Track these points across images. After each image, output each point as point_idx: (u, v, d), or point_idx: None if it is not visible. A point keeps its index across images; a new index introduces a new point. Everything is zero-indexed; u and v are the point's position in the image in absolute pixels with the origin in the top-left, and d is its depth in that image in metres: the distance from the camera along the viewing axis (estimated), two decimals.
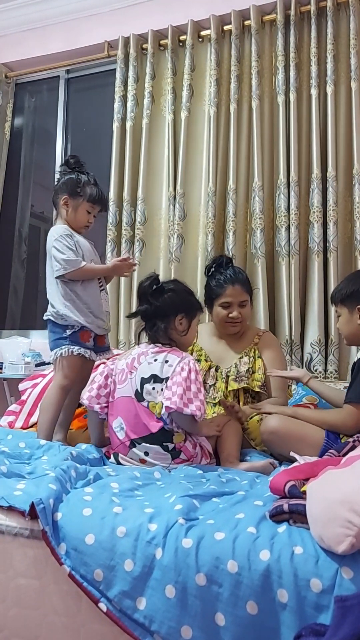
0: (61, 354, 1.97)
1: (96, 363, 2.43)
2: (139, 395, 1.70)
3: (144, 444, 1.67)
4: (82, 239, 2.08)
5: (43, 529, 1.15)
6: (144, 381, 1.71)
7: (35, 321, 3.65)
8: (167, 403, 1.61)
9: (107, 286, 2.16)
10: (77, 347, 1.99)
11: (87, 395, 1.81)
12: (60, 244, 1.99)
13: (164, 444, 1.66)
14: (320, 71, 2.75)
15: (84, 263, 1.99)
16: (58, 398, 1.98)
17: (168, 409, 1.61)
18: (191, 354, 2.22)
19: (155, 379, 1.70)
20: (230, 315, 2.14)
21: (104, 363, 2.34)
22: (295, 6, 2.80)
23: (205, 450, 1.74)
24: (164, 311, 1.79)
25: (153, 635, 1.03)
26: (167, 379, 1.68)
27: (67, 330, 1.99)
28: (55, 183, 2.15)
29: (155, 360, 1.73)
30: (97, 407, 1.79)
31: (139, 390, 1.71)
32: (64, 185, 2.08)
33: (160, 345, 1.78)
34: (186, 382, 1.63)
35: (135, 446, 1.68)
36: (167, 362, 1.71)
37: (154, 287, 1.81)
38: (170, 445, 1.67)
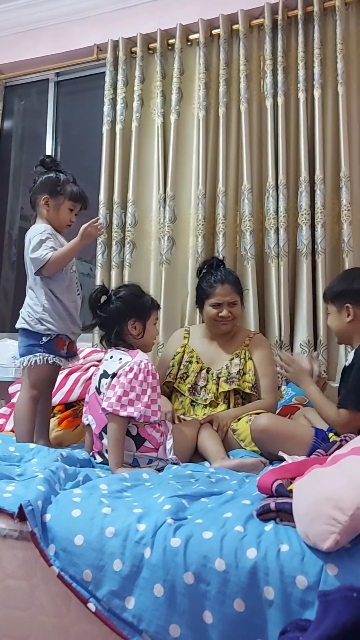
0: (35, 361, 1.95)
1: (87, 365, 2.44)
2: (98, 390, 1.80)
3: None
4: (64, 241, 2.06)
5: (32, 531, 1.16)
6: (101, 377, 1.80)
7: None
8: (104, 404, 1.68)
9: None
10: (51, 356, 1.97)
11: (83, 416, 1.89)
12: (36, 242, 1.94)
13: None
14: (307, 75, 2.78)
15: (48, 255, 1.92)
16: (30, 408, 1.96)
17: (104, 411, 1.68)
18: (183, 355, 2.24)
19: (105, 374, 1.78)
20: (220, 314, 2.17)
21: (95, 365, 2.37)
22: (282, 11, 2.82)
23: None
24: (114, 320, 1.85)
25: (142, 634, 1.04)
26: (113, 374, 1.74)
27: (44, 338, 1.97)
28: (33, 183, 2.10)
29: (112, 357, 1.81)
30: (86, 422, 1.86)
31: (97, 385, 1.80)
32: (43, 185, 2.04)
33: (122, 348, 1.84)
34: (130, 384, 1.69)
35: (103, 437, 1.74)
36: (120, 359, 1.78)
37: (101, 298, 1.88)
38: (134, 430, 1.71)
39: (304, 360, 2.01)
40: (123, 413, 1.65)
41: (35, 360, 1.95)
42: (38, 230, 1.98)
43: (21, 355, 2.00)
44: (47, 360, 1.96)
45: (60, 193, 2.03)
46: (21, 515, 1.18)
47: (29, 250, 1.96)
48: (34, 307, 1.98)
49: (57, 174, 2.06)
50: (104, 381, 1.78)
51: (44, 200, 2.04)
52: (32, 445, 1.81)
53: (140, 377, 1.71)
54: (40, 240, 1.94)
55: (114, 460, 1.64)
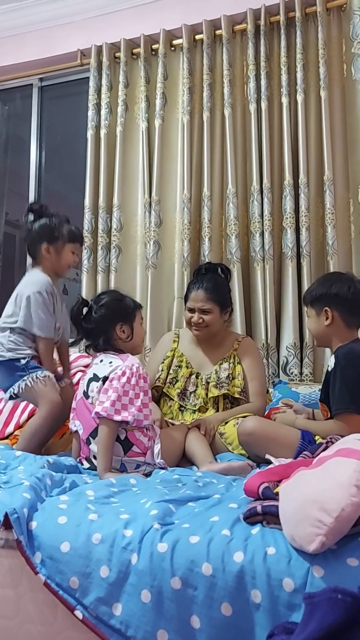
0: (26, 384, 1.92)
1: (73, 371, 2.41)
2: (85, 394, 1.78)
3: (97, 437, 1.69)
4: (59, 297, 2.07)
5: (17, 539, 1.15)
6: (90, 380, 1.79)
7: None
8: (98, 408, 1.66)
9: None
10: (40, 371, 1.95)
11: (71, 422, 1.87)
12: (43, 307, 1.97)
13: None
14: (290, 80, 2.80)
15: (39, 333, 1.97)
16: (48, 425, 1.93)
17: (98, 415, 1.66)
18: (172, 359, 2.24)
19: (95, 377, 1.77)
20: (192, 319, 2.17)
21: (82, 371, 2.36)
22: (264, 16, 2.84)
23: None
24: (101, 328, 1.83)
25: None
26: (105, 378, 1.73)
27: (22, 360, 1.96)
28: (26, 232, 2.10)
29: (102, 361, 1.80)
30: (74, 428, 1.84)
31: (85, 389, 1.78)
32: (40, 234, 2.05)
33: (111, 352, 1.83)
34: (123, 388, 1.68)
35: (90, 442, 1.72)
36: (110, 363, 1.77)
37: (83, 310, 1.85)
38: (122, 434, 1.70)
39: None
40: (117, 418, 1.64)
41: (26, 383, 1.93)
42: (36, 287, 1.99)
43: (6, 390, 1.98)
44: (36, 377, 1.94)
45: (59, 238, 2.04)
46: (7, 523, 1.17)
47: (28, 307, 1.97)
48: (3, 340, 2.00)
49: (51, 219, 2.06)
50: (94, 384, 1.76)
51: (45, 249, 2.04)
52: (18, 453, 1.80)
53: (133, 380, 1.69)
54: (38, 302, 1.97)
55: (102, 465, 1.63)
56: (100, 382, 1.74)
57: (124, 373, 1.70)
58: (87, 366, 2.14)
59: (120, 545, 1.10)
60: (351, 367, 1.72)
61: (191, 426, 1.95)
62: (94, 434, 1.70)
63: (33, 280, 2.03)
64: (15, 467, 1.66)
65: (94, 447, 1.70)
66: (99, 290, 3.04)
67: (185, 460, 1.87)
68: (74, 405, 1.88)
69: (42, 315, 1.97)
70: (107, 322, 1.83)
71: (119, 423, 1.65)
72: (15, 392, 1.94)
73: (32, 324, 1.97)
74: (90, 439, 1.73)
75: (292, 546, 1.01)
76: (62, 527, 1.17)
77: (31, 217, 2.09)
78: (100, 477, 1.61)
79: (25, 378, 1.93)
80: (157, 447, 1.75)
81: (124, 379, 1.68)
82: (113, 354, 1.81)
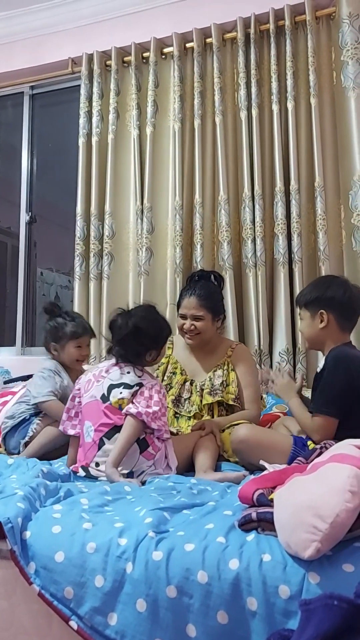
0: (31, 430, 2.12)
1: None
2: (104, 398, 1.76)
3: (113, 437, 1.69)
4: (69, 383, 2.20)
5: (11, 549, 1.14)
6: (112, 386, 1.77)
7: (3, 337, 3.62)
8: (141, 410, 1.67)
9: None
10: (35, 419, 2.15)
11: (61, 422, 1.87)
12: (40, 376, 2.19)
13: None
14: (280, 87, 2.83)
15: (51, 399, 2.13)
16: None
17: (139, 415, 1.66)
18: (167, 366, 2.24)
19: (125, 385, 1.76)
20: (184, 326, 2.17)
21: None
22: (254, 25, 2.87)
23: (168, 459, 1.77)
24: (135, 351, 1.83)
25: None
26: (139, 385, 1.75)
27: (24, 421, 2.17)
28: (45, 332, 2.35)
29: (129, 372, 1.80)
30: (71, 431, 1.83)
31: (106, 394, 1.76)
32: (49, 335, 2.28)
33: (133, 365, 1.84)
34: (159, 403, 1.73)
35: (104, 444, 1.71)
36: (139, 377, 1.79)
37: (134, 329, 1.81)
38: (141, 435, 1.70)
39: (286, 375, 2.04)
40: (154, 425, 1.68)
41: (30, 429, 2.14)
42: (43, 367, 2.24)
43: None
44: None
45: (63, 337, 2.24)
46: (0, 533, 1.16)
47: (35, 381, 2.22)
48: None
49: (56, 319, 2.27)
50: (124, 391, 1.75)
51: (52, 347, 2.26)
52: (10, 461, 1.79)
53: (164, 399, 1.77)
54: (41, 376, 2.20)
55: (116, 457, 1.63)
56: (135, 387, 1.76)
57: (158, 391, 1.76)
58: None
59: (115, 554, 1.09)
60: (338, 371, 1.72)
61: (195, 428, 1.95)
62: (109, 434, 1.70)
63: (39, 369, 2.26)
64: (7, 476, 1.65)
65: (108, 446, 1.69)
66: (91, 297, 3.05)
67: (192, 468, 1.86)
68: (69, 405, 1.86)
69: (38, 382, 2.18)
70: (142, 347, 1.83)
71: (143, 427, 1.68)
72: (28, 440, 2.11)
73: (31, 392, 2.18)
74: (105, 439, 1.71)
75: (288, 553, 1.01)
76: (57, 536, 1.16)
77: (45, 316, 2.32)
78: (108, 467, 1.61)
79: (29, 427, 2.13)
80: (172, 453, 1.77)
81: (160, 394, 1.76)
82: (139, 369, 1.83)
